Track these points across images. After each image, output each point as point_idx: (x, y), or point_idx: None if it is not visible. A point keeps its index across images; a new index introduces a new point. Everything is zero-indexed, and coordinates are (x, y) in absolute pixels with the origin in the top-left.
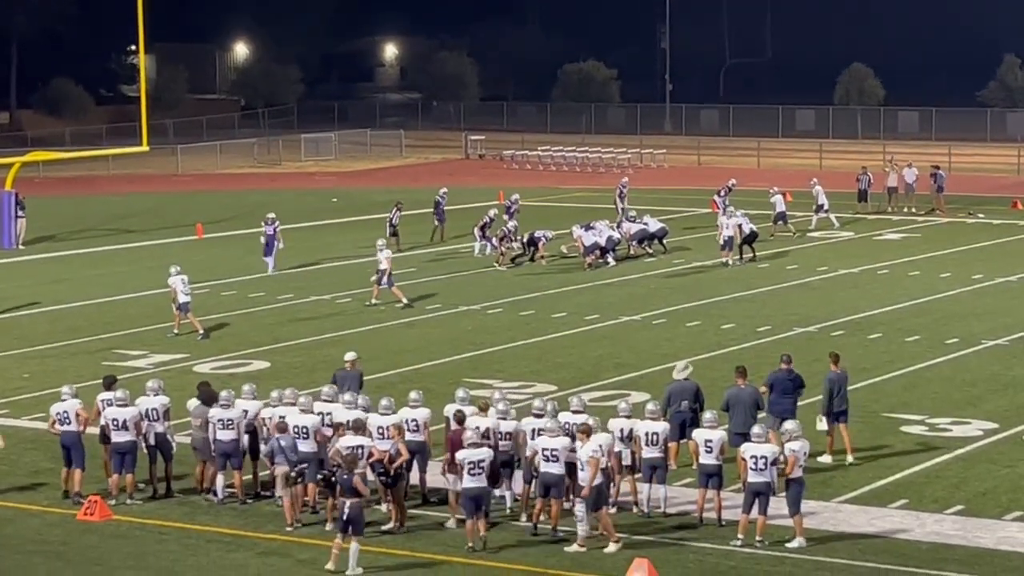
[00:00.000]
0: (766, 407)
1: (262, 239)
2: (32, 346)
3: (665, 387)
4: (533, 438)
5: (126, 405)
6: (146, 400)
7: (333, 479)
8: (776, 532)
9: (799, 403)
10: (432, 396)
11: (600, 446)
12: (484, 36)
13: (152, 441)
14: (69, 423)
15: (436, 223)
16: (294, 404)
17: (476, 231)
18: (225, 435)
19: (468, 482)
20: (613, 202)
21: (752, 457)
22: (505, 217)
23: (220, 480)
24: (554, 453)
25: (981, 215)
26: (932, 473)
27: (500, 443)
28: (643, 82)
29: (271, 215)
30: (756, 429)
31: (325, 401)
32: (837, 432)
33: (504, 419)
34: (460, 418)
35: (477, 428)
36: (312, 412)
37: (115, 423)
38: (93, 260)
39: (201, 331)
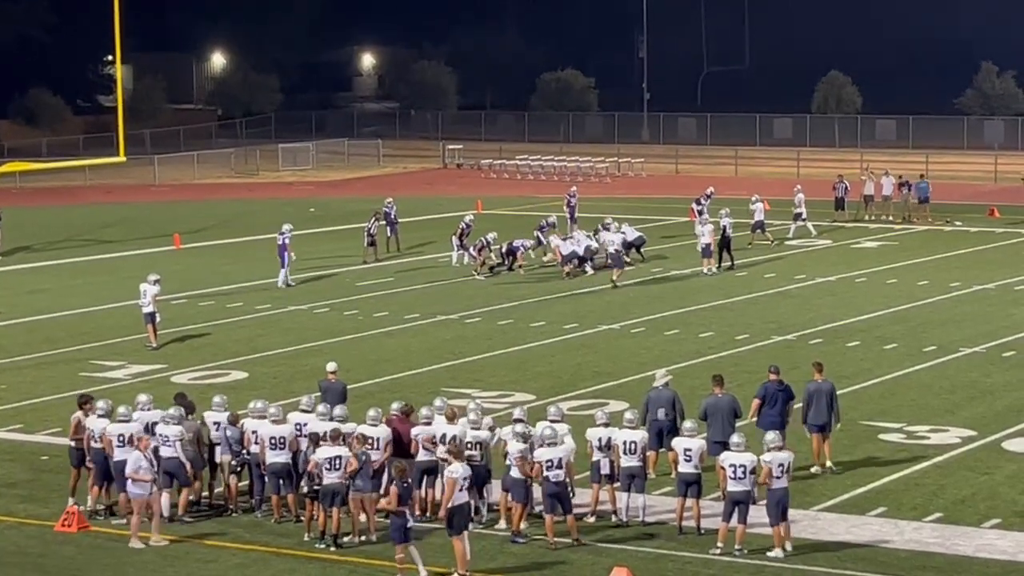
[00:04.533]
0: (754, 418)
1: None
2: (9, 357)
3: (644, 395)
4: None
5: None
6: (144, 415)
7: (317, 489)
8: (755, 540)
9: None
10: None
11: (458, 466)
12: (462, 45)
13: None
14: (171, 445)
15: (388, 234)
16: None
17: (453, 240)
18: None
19: None
20: (564, 211)
21: (731, 466)
22: (537, 232)
23: (166, 498)
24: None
25: (959, 223)
26: (910, 481)
27: (468, 452)
28: (621, 90)
29: (287, 225)
30: (735, 438)
31: (303, 411)
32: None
33: (476, 429)
34: (407, 411)
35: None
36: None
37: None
38: (70, 271)
39: (154, 344)
